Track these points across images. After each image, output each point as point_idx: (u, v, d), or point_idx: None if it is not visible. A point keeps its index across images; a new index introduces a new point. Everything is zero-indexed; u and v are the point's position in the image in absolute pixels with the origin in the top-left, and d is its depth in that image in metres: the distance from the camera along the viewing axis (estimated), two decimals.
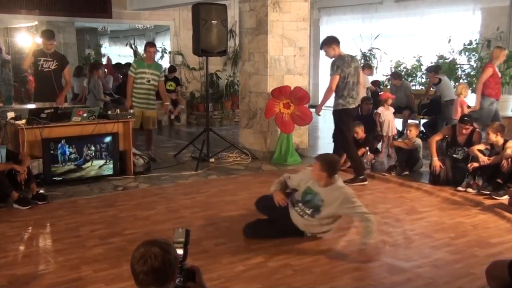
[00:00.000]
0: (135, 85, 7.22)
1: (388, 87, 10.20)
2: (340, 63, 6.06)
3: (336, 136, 6.41)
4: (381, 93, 8.90)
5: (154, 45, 7.53)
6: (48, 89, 6.86)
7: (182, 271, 2.15)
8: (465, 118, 6.05)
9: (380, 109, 7.89)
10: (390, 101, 8.01)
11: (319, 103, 6.41)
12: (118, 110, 6.57)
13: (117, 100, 9.50)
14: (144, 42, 15.41)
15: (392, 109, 8.00)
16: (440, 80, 9.04)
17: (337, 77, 6.05)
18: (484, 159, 5.65)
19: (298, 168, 6.77)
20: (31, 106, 7.95)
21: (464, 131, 5.99)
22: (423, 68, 10.86)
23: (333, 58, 6.18)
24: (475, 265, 3.79)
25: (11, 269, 3.76)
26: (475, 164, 5.70)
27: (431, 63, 10.66)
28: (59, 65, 6.92)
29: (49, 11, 10.55)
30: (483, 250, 4.12)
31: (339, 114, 6.21)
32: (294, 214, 4.29)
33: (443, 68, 9.98)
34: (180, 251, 2.17)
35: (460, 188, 5.79)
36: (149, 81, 7.19)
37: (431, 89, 9.42)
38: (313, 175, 4.24)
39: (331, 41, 6.25)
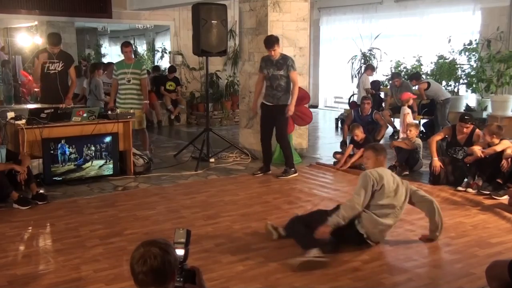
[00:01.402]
0: (119, 86, 7.20)
1: (388, 87, 10.20)
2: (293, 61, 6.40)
3: (282, 129, 6.52)
4: (403, 93, 8.73)
5: (130, 44, 7.39)
6: (53, 91, 6.80)
7: (182, 272, 2.14)
8: (465, 117, 6.04)
9: (407, 110, 7.86)
10: (411, 101, 8.00)
11: (290, 104, 6.35)
12: (119, 110, 6.58)
13: None
14: (144, 42, 15.53)
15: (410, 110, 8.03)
16: (429, 84, 9.06)
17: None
18: (479, 153, 5.63)
19: (298, 167, 6.76)
20: (31, 106, 7.92)
21: (464, 129, 5.97)
22: (423, 68, 10.85)
23: (281, 56, 6.32)
24: (475, 265, 3.79)
25: (11, 269, 3.76)
26: (471, 158, 5.70)
27: (431, 62, 10.66)
28: (65, 66, 6.85)
29: (49, 11, 10.56)
30: (483, 250, 4.12)
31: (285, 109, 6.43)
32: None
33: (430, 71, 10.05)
34: (180, 252, 2.16)
35: (460, 188, 5.79)
36: (129, 80, 7.11)
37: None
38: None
39: (278, 40, 6.34)
